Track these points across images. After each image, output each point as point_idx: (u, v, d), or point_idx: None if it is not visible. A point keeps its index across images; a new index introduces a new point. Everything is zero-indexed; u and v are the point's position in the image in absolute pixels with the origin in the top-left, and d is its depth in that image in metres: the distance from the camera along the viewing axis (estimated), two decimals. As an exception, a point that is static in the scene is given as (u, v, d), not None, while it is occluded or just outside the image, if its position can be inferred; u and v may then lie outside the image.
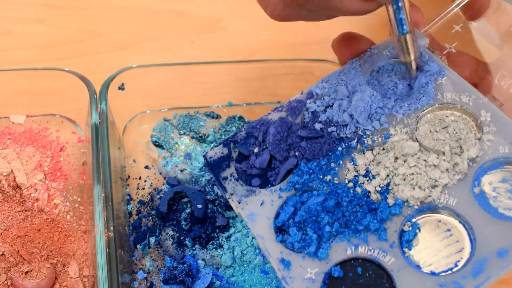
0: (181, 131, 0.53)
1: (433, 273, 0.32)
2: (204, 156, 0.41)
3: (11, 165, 0.47)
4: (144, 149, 0.52)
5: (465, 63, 0.42)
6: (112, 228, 0.42)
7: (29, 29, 0.61)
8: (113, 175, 0.45)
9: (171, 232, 0.46)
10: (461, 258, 0.33)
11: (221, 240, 0.45)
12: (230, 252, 0.45)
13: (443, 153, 0.36)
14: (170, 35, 0.62)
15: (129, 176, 0.50)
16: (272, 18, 0.38)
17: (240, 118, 0.54)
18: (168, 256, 0.45)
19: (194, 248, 0.45)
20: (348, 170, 0.37)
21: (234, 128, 0.53)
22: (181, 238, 0.46)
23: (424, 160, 0.36)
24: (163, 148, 0.51)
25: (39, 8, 0.62)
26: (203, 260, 0.45)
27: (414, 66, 0.39)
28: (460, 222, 0.34)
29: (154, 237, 0.46)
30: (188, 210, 0.47)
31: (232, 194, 0.39)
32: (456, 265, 0.32)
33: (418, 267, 0.33)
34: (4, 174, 0.46)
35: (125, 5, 0.63)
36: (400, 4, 0.37)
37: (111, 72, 0.51)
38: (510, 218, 0.33)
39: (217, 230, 0.46)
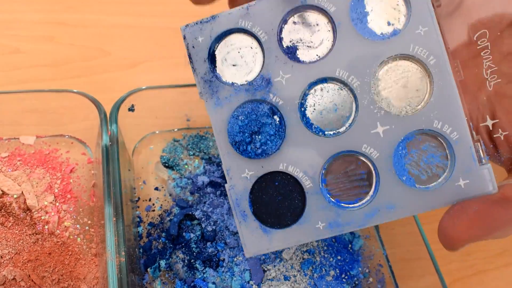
0: (190, 151, 0.53)
1: (337, 201, 0.38)
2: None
3: (22, 187, 0.47)
4: (153, 170, 0.52)
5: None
6: (123, 253, 0.42)
7: (38, 48, 0.61)
8: (124, 197, 0.45)
9: (181, 255, 0.46)
10: (363, 199, 0.38)
11: (231, 263, 0.45)
12: (240, 276, 0.45)
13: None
14: (179, 53, 0.61)
15: (139, 198, 0.50)
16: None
17: (250, 138, 0.54)
18: (179, 280, 0.45)
19: (204, 271, 0.45)
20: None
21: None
22: (191, 261, 0.45)
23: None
24: (173, 169, 0.51)
25: (48, 26, 0.63)
26: (214, 283, 0.45)
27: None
28: (374, 170, 0.38)
29: (164, 260, 0.46)
30: (198, 233, 0.47)
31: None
32: (356, 201, 0.38)
33: (328, 193, 0.38)
34: (15, 196, 0.46)
35: (134, 23, 0.64)
36: None
37: (120, 90, 0.51)
38: (407, 183, 0.37)
39: (227, 252, 0.46)
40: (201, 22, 0.41)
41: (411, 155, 0.38)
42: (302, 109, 0.39)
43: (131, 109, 0.51)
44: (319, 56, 0.39)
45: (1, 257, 0.43)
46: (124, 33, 0.63)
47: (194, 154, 0.52)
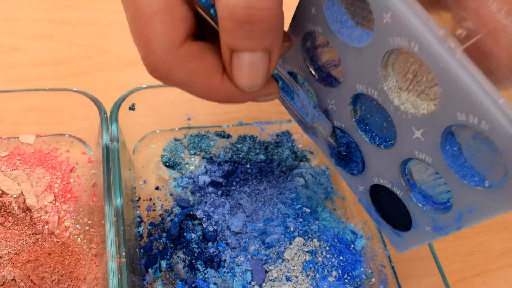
0: (191, 151, 0.52)
1: (434, 202, 0.36)
2: None
3: (21, 186, 0.47)
4: (154, 169, 0.51)
5: None
6: (124, 253, 0.41)
7: (38, 46, 0.61)
8: (124, 197, 0.45)
9: (182, 256, 0.45)
10: (450, 198, 0.34)
11: (233, 263, 0.45)
12: (241, 276, 0.44)
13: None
14: (179, 52, 0.62)
15: (139, 198, 0.50)
16: None
17: (251, 137, 0.54)
18: (180, 280, 0.45)
19: (205, 271, 0.45)
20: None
21: (245, 148, 0.53)
22: (193, 261, 0.45)
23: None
24: (174, 169, 0.51)
25: (47, 25, 0.62)
26: (215, 284, 0.44)
27: (332, 140, 0.41)
28: None
29: (165, 260, 0.46)
30: (199, 233, 0.46)
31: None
32: (448, 201, 0.35)
33: (424, 195, 0.37)
34: (14, 196, 0.46)
35: (134, 22, 0.63)
36: (297, 103, 0.37)
37: (120, 89, 0.51)
38: (472, 183, 0.31)
39: (228, 253, 0.46)
40: None
41: (468, 149, 0.31)
42: (362, 127, 0.39)
43: (132, 108, 0.50)
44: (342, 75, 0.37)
45: (1, 257, 0.42)
46: (124, 31, 0.62)
47: (195, 154, 0.52)
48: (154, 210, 0.49)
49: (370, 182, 0.40)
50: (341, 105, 0.38)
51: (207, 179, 0.50)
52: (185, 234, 0.46)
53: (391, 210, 0.40)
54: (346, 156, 0.41)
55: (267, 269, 0.45)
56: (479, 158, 0.31)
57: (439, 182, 0.35)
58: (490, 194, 0.30)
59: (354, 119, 0.38)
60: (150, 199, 0.50)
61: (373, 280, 0.48)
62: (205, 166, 0.51)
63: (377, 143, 0.38)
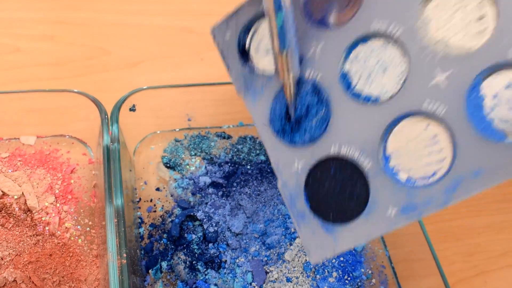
0: (192, 151, 0.52)
1: (408, 180, 0.32)
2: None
3: (22, 187, 0.47)
4: (155, 170, 0.52)
5: None
6: (125, 255, 0.41)
7: (38, 46, 0.61)
8: (125, 197, 0.45)
9: (183, 257, 0.45)
10: (441, 168, 0.31)
11: (233, 264, 0.45)
12: (242, 277, 0.44)
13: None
14: (180, 52, 0.62)
15: (140, 199, 0.50)
16: None
17: (252, 138, 0.54)
18: (180, 281, 0.45)
19: (206, 272, 0.45)
20: None
21: (245, 149, 0.53)
22: (193, 262, 0.45)
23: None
24: (174, 170, 0.51)
25: (48, 25, 0.62)
26: (216, 285, 0.44)
27: (292, 90, 0.34)
28: (448, 131, 0.30)
29: (166, 261, 0.46)
30: (200, 234, 0.46)
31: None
32: (434, 174, 0.31)
33: (394, 173, 0.32)
34: (15, 197, 0.46)
35: (134, 22, 0.63)
36: (281, 17, 0.31)
37: (121, 90, 0.51)
38: (493, 138, 0.29)
39: (229, 253, 0.46)
40: (226, 18, 0.38)
41: (493, 101, 0.29)
42: (347, 79, 0.34)
43: (132, 109, 0.50)
44: (353, 14, 0.33)
45: (2, 258, 0.42)
46: (124, 32, 0.62)
47: (195, 154, 0.52)
48: (155, 211, 0.49)
49: (321, 153, 0.34)
50: (332, 49, 0.34)
51: (207, 180, 0.50)
52: (185, 235, 0.46)
53: (333, 194, 0.34)
54: (297, 121, 0.35)
55: (268, 270, 0.45)
56: (505, 112, 0.29)
57: (431, 149, 0.31)
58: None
59: (341, 69, 0.34)
60: (151, 200, 0.50)
61: (374, 280, 0.48)
62: (205, 167, 0.51)
63: (364, 99, 0.33)
